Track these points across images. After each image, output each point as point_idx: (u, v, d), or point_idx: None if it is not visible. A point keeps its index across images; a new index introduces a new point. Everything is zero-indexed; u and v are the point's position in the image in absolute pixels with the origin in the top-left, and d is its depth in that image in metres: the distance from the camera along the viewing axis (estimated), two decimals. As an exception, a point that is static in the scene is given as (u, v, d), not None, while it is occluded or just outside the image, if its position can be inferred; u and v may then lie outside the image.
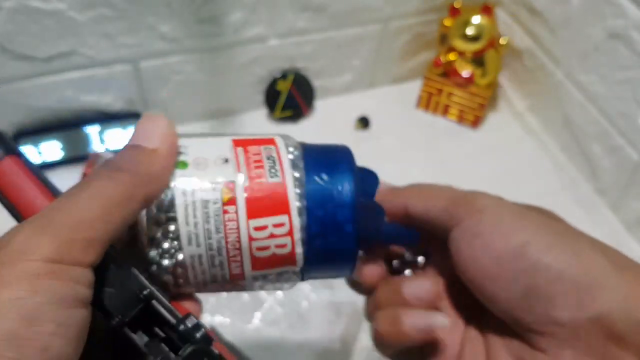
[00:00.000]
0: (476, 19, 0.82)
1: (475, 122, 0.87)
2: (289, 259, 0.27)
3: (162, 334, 0.24)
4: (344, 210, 0.27)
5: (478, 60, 0.84)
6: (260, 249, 0.26)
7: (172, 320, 0.23)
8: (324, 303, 0.60)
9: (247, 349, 0.56)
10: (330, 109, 0.88)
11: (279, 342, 0.56)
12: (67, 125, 0.75)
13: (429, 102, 0.89)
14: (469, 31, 0.83)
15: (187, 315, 0.23)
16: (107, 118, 0.77)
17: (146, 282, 0.23)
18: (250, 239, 0.26)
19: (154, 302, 0.23)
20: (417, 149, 0.84)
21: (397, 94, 0.92)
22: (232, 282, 0.27)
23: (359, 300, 0.35)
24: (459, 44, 0.84)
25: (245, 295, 0.60)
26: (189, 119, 0.84)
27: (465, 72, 0.84)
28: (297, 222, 0.26)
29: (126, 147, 0.25)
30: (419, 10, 0.84)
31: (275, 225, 0.26)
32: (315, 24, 0.80)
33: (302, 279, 0.29)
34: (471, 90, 0.85)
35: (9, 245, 0.20)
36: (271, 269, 0.27)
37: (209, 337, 0.23)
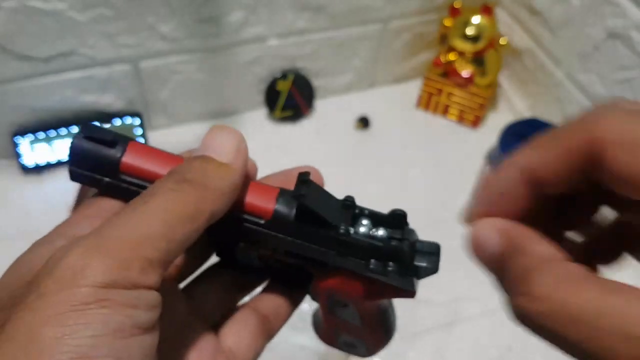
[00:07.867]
0: (476, 19, 0.82)
1: (475, 122, 0.87)
2: None
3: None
4: None
5: (478, 60, 0.84)
6: None
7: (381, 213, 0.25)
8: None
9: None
10: (330, 109, 0.88)
11: (280, 342, 0.56)
12: (67, 125, 0.75)
13: (429, 102, 0.89)
14: (469, 31, 0.83)
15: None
16: (107, 118, 0.77)
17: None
18: None
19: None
20: (417, 148, 0.84)
21: (397, 94, 0.92)
22: None
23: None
24: (459, 44, 0.84)
25: (245, 297, 0.60)
26: (189, 119, 0.84)
27: (465, 72, 0.84)
28: None
29: (195, 157, 0.22)
30: (419, 10, 0.84)
31: None
32: (315, 24, 0.80)
33: None
34: (471, 90, 0.85)
35: (55, 269, 0.17)
36: None
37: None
